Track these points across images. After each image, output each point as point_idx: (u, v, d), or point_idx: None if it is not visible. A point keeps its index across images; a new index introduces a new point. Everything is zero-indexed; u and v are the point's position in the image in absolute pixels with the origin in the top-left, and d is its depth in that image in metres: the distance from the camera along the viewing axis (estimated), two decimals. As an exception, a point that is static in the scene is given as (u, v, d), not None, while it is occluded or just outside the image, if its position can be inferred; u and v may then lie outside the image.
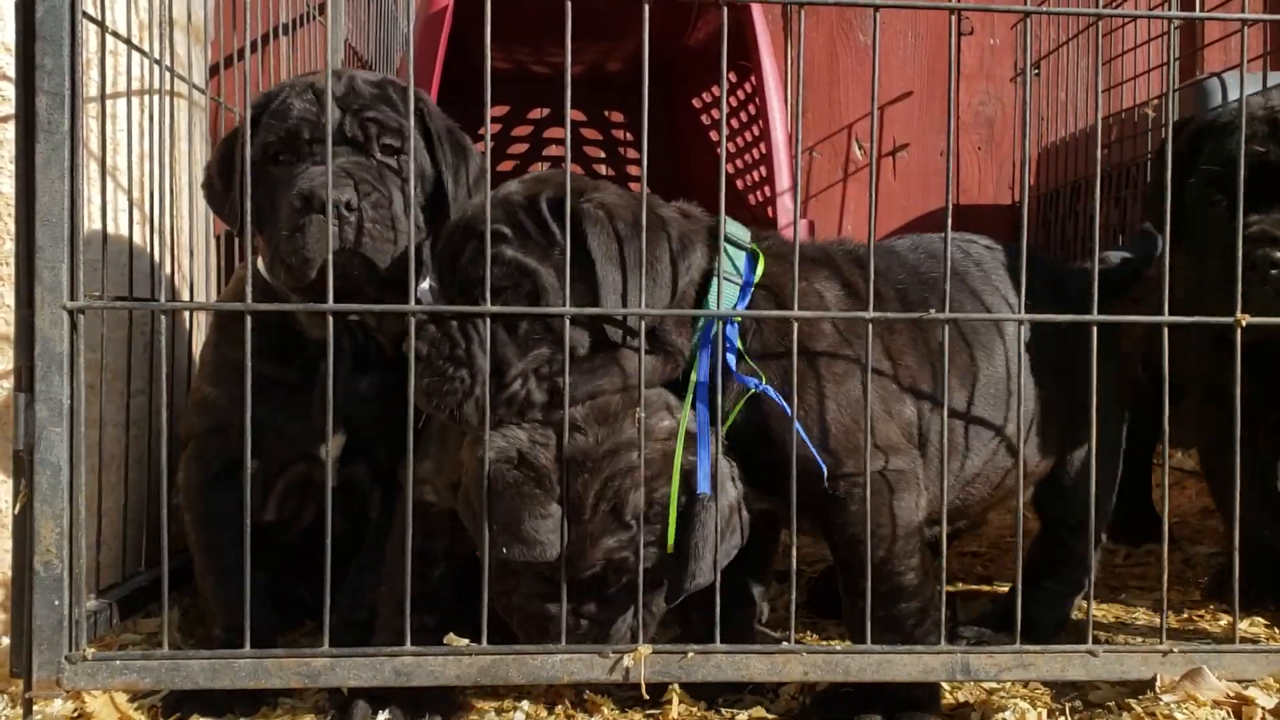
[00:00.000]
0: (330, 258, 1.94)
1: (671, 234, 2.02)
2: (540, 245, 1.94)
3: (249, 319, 1.87)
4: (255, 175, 2.01)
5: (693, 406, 1.93)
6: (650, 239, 1.93)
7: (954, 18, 1.98)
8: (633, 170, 4.75)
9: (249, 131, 2.02)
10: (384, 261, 2.09)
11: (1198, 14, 2.13)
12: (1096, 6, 2.09)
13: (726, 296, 1.99)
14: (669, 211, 2.10)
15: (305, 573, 2.36)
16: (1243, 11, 2.09)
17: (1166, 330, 2.03)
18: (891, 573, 2.00)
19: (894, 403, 2.06)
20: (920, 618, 2.02)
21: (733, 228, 2.08)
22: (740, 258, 2.07)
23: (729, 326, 1.98)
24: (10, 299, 1.99)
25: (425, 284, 1.98)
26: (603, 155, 4.81)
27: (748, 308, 2.02)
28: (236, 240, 2.79)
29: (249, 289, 1.89)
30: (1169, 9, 2.07)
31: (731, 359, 1.97)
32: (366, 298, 2.04)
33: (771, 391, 1.94)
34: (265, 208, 2.13)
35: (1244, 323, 2.02)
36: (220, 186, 2.28)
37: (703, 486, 1.87)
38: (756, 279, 2.06)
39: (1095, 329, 1.99)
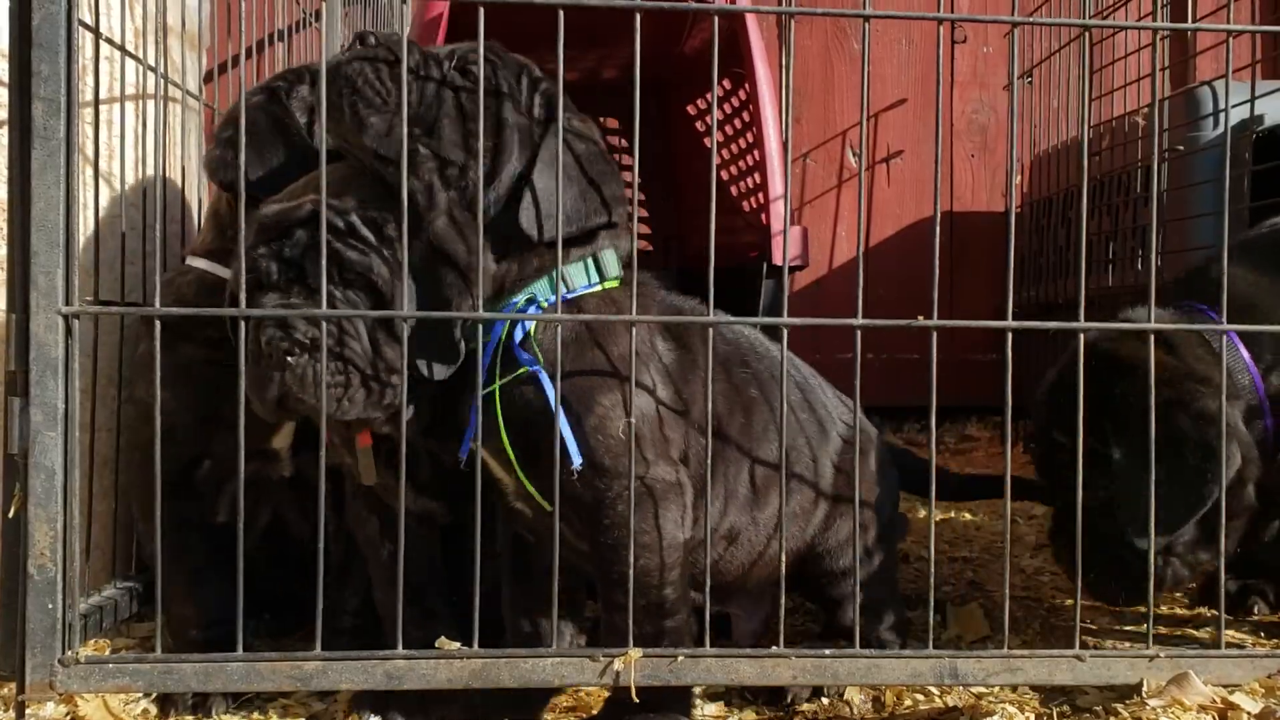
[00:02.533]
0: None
1: None
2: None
3: (243, 324, 1.88)
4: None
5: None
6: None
7: (942, 29, 2.00)
8: (626, 176, 4.77)
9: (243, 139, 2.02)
10: None
11: (1184, 25, 2.14)
12: (1085, 16, 2.10)
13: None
14: None
15: (280, 577, 2.38)
16: (1229, 21, 2.11)
17: (1153, 337, 2.05)
18: (650, 586, 1.94)
19: (670, 427, 2.01)
20: (676, 637, 1.97)
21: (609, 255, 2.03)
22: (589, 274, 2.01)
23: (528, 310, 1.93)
24: (4, 303, 2.00)
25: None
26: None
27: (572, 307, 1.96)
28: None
29: (241, 295, 1.89)
30: (1158, 18, 2.09)
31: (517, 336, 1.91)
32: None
33: (543, 375, 1.87)
34: None
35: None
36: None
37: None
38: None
39: (1083, 336, 2.01)
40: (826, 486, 2.24)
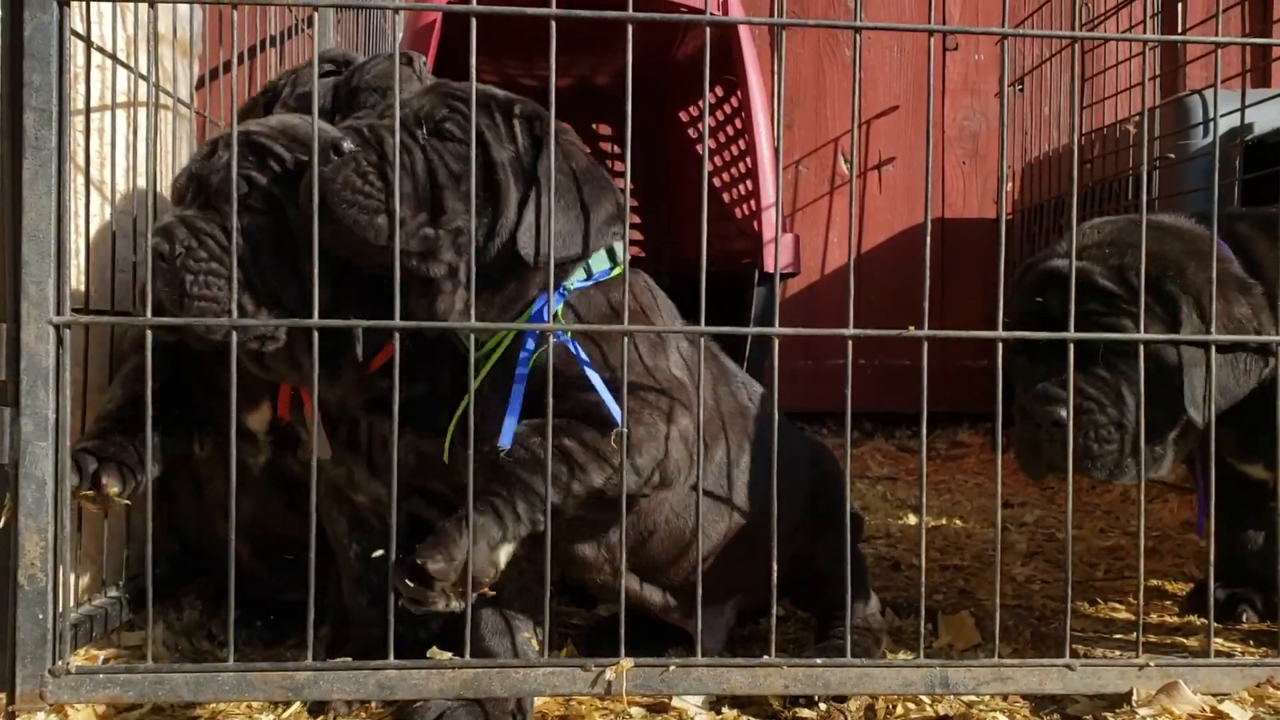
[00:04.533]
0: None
1: None
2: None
3: (234, 334, 1.88)
4: None
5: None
6: None
7: (934, 39, 2.01)
8: (619, 183, 4.77)
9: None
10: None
11: (1173, 37, 2.15)
12: (1075, 27, 2.11)
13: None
14: None
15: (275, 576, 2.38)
16: (1217, 32, 2.12)
17: (1142, 348, 2.06)
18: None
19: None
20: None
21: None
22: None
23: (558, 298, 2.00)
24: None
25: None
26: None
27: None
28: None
29: (233, 306, 1.89)
30: (1148, 28, 2.10)
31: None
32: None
33: (572, 343, 1.92)
34: None
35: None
36: None
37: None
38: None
39: (1072, 346, 2.02)
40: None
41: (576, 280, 2.04)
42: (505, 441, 1.87)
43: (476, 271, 1.92)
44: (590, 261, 2.06)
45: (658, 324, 2.09)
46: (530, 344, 1.94)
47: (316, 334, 1.86)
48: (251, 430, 2.31)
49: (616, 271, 2.09)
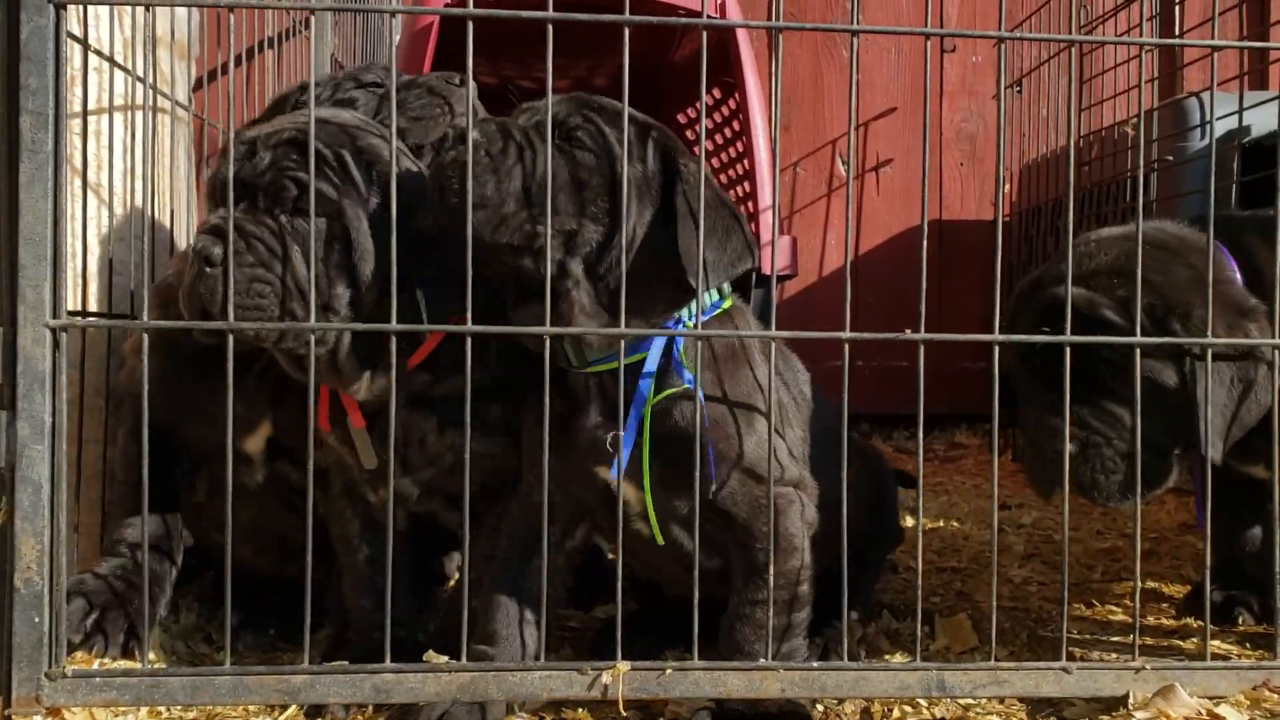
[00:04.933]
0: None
1: None
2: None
3: (230, 338, 1.88)
4: None
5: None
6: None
7: (931, 42, 2.01)
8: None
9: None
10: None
11: (1170, 40, 2.16)
12: (1073, 30, 2.11)
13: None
14: None
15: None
16: (1214, 36, 2.12)
17: (1138, 352, 2.06)
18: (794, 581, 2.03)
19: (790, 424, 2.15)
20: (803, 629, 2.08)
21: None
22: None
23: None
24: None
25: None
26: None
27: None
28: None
29: (230, 309, 1.88)
30: (1145, 31, 2.10)
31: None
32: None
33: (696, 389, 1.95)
34: None
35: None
36: None
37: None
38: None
39: (1068, 350, 2.02)
40: None
41: (709, 305, 2.05)
42: (614, 474, 1.93)
43: (595, 281, 1.93)
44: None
45: (755, 359, 2.08)
46: (645, 385, 1.96)
47: (392, 338, 1.86)
48: (247, 452, 2.30)
49: (726, 304, 2.10)
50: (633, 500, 2.03)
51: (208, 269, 1.86)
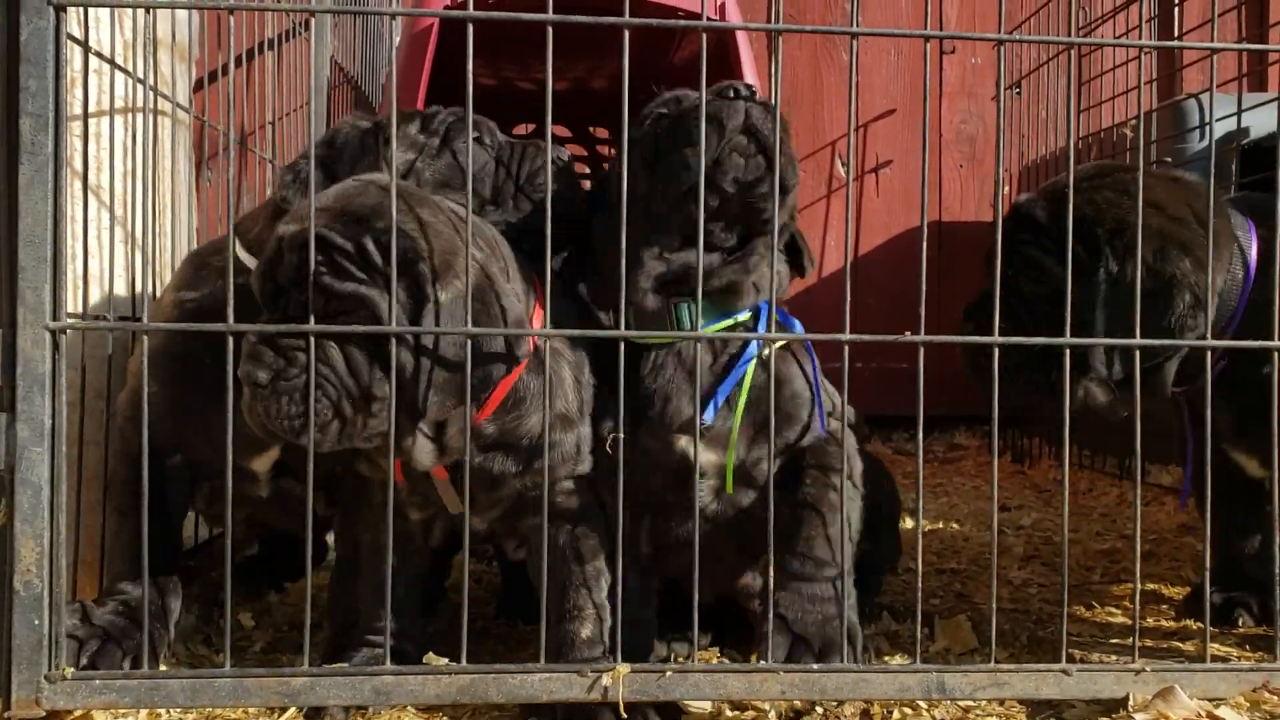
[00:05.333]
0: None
1: None
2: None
3: (229, 340, 1.88)
4: None
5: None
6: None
7: (930, 44, 2.01)
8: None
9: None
10: None
11: (1169, 43, 2.16)
12: (1072, 32, 2.11)
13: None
14: None
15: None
16: (1213, 38, 2.12)
17: (1138, 353, 2.06)
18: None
19: None
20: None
21: None
22: None
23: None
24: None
25: None
26: (587, 171, 4.84)
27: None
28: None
29: (229, 311, 1.88)
30: (1144, 33, 2.10)
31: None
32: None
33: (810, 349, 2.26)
34: None
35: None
36: None
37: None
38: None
39: (1068, 352, 2.02)
40: None
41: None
42: (823, 430, 2.18)
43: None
44: None
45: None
46: (752, 348, 2.16)
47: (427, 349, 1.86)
48: (253, 470, 2.29)
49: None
50: (709, 468, 2.16)
51: (259, 390, 1.84)
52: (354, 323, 1.83)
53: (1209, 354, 2.10)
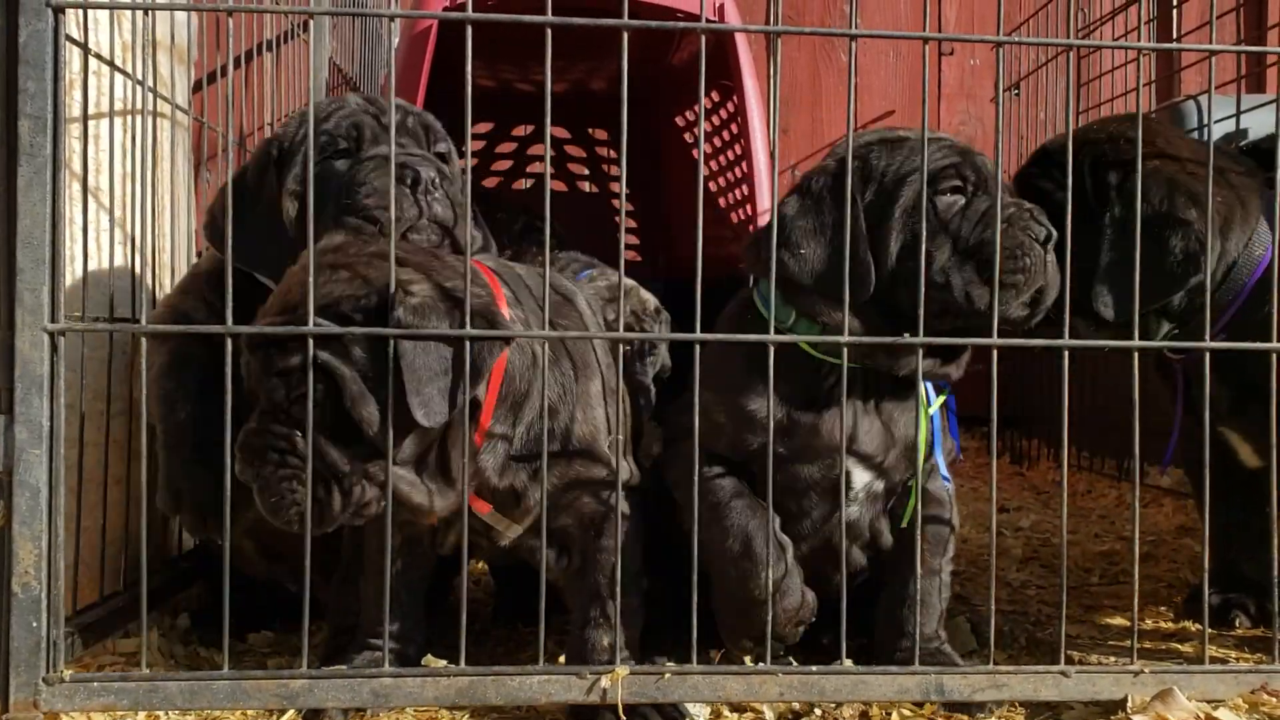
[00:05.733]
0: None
1: None
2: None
3: (228, 341, 1.88)
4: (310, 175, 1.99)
5: None
6: None
7: (929, 46, 2.01)
8: (616, 188, 4.77)
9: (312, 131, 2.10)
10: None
11: (1167, 45, 2.16)
12: (1070, 33, 2.12)
13: None
14: None
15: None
16: (1211, 40, 2.12)
17: (1136, 355, 2.07)
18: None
19: None
20: None
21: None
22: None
23: None
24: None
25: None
26: (586, 172, 4.84)
27: None
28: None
29: (228, 312, 1.88)
30: (1142, 35, 2.11)
31: None
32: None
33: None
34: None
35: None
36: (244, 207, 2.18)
37: None
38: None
39: (1066, 354, 2.03)
40: None
41: None
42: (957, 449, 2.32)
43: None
44: None
45: None
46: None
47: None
48: None
49: None
50: (858, 485, 2.19)
51: (259, 482, 1.87)
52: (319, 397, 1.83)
53: (1206, 356, 2.10)
